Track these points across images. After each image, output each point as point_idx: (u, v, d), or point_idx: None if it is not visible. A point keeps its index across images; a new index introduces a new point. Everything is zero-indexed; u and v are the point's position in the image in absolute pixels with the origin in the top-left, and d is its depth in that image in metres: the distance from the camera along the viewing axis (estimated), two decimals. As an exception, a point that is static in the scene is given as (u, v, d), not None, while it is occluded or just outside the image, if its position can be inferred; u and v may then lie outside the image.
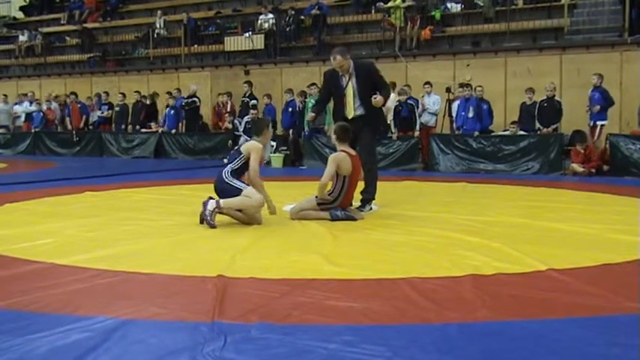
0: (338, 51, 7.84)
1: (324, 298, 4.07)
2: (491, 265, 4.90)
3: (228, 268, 4.83)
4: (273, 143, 15.64)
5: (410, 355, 3.13)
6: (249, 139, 15.63)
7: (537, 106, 13.64)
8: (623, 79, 14.29)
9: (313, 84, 15.45)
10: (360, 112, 7.82)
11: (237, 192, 6.80)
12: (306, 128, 15.05)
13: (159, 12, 22.23)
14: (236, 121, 16.42)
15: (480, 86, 14.25)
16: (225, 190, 6.88)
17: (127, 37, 22.95)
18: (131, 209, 8.14)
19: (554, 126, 13.48)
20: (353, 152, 7.33)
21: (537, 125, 13.58)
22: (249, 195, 6.79)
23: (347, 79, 7.79)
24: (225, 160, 7.27)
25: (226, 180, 6.89)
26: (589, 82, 13.31)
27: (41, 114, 20.51)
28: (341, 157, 7.18)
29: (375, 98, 7.54)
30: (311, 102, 15.04)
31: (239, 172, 6.97)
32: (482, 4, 17.16)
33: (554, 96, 13.58)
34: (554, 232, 6.45)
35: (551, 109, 13.51)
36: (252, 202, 6.80)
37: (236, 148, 7.31)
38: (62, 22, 25.55)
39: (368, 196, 7.95)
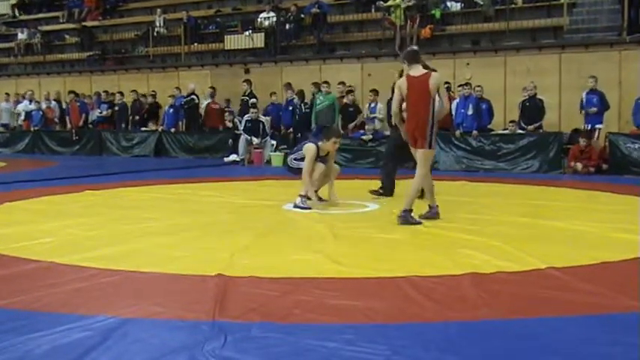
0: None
1: (324, 297, 4.08)
2: (491, 264, 4.90)
3: (229, 267, 4.83)
4: (274, 142, 15.62)
5: (410, 354, 3.14)
6: (249, 137, 15.72)
7: (520, 105, 13.74)
8: (622, 79, 14.26)
9: (325, 82, 15.35)
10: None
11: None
12: (313, 125, 14.95)
13: (158, 10, 22.19)
14: (236, 120, 16.41)
15: (479, 86, 14.23)
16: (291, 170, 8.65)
17: (127, 36, 22.89)
18: (131, 208, 8.15)
19: (537, 124, 13.56)
20: (416, 74, 6.96)
21: (521, 124, 13.66)
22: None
23: None
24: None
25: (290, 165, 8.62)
26: (587, 81, 13.30)
27: (40, 113, 20.48)
28: (399, 82, 7.13)
29: None
30: (319, 98, 14.98)
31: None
32: (481, 3, 17.12)
33: (535, 95, 13.64)
34: (553, 230, 6.46)
35: (533, 108, 13.60)
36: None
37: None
38: (61, 20, 25.50)
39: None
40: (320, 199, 8.33)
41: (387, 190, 9.14)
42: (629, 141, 12.33)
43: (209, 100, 17.74)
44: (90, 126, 19.86)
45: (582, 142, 12.48)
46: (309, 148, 8.23)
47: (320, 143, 8.27)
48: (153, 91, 19.32)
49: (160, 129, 18.15)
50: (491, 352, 3.18)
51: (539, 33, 16.17)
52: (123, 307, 3.88)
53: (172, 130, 17.93)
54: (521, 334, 3.43)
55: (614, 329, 3.48)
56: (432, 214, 7.03)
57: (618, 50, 14.50)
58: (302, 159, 8.28)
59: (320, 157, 8.22)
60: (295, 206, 7.91)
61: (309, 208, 7.83)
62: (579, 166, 12.38)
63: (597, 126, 12.97)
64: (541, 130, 13.61)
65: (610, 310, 3.80)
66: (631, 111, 13.35)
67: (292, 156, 8.62)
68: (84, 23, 24.08)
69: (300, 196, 7.96)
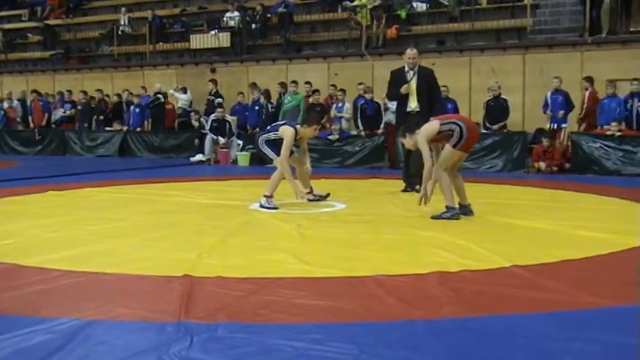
0: (414, 47, 9.88)
1: (291, 296, 4.08)
2: (456, 262, 4.95)
3: (195, 267, 4.80)
4: (240, 142, 15.58)
5: (377, 352, 3.15)
6: (215, 137, 15.66)
7: (485, 105, 13.94)
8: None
9: (294, 82, 15.41)
10: (417, 108, 9.18)
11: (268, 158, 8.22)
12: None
13: (123, 9, 21.95)
14: (202, 120, 16.34)
15: (445, 86, 14.32)
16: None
17: (91, 35, 22.62)
18: (96, 209, 8.06)
19: (501, 124, 13.78)
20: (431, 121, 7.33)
21: (486, 124, 13.86)
22: (277, 165, 7.97)
23: (411, 75, 9.25)
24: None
25: (260, 147, 8.16)
26: (551, 81, 13.51)
27: (2, 112, 20.14)
28: (425, 130, 7.07)
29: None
30: (287, 98, 15.00)
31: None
32: (447, 4, 17.28)
33: (500, 94, 13.86)
34: (518, 228, 6.54)
35: (498, 108, 13.82)
36: (280, 174, 7.90)
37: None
38: (23, 18, 25.11)
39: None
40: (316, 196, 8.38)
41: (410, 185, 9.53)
42: (591, 140, 12.55)
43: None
44: (53, 126, 19.60)
45: (545, 141, 12.70)
46: (287, 132, 7.87)
47: (298, 127, 8.03)
48: (125, 90, 19.06)
49: (124, 129, 17.99)
50: (456, 349, 3.21)
51: (504, 33, 16.38)
52: (87, 309, 3.83)
53: (138, 129, 17.79)
54: (485, 331, 3.47)
55: (574, 325, 3.54)
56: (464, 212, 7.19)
57: (580, 51, 14.75)
58: (274, 141, 7.99)
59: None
60: (261, 206, 7.86)
61: (276, 208, 7.79)
62: (542, 165, 12.57)
63: (563, 125, 13.22)
64: (505, 130, 13.80)
65: (572, 307, 3.87)
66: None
67: (264, 136, 8.17)
68: (47, 22, 23.74)
69: (265, 196, 7.87)
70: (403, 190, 9.51)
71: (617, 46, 14.43)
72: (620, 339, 3.30)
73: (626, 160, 12.17)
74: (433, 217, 7.07)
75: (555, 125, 13.26)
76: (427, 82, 9.28)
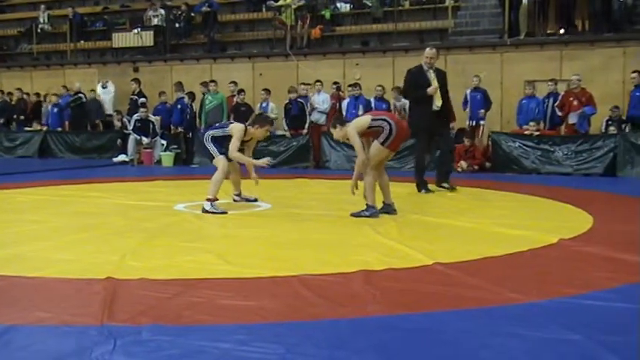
0: (434, 47, 9.86)
1: (216, 297, 4.06)
2: (380, 261, 5.01)
3: (118, 269, 4.72)
4: (164, 142, 15.36)
5: (303, 352, 3.17)
6: (138, 137, 15.37)
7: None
8: (504, 79, 14.91)
9: (213, 81, 15.28)
10: (440, 105, 9.29)
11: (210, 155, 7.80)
12: (202, 126, 14.84)
13: (42, 6, 21.34)
14: (125, 120, 16.04)
15: (380, 86, 14.38)
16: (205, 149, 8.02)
17: (9, 32, 21.95)
18: (14, 211, 7.82)
19: None
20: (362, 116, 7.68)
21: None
22: (217, 164, 7.65)
23: (432, 75, 9.29)
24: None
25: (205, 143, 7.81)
26: (471, 80, 13.85)
27: None
28: (355, 123, 7.20)
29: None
30: (208, 98, 14.86)
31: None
32: (370, 5, 17.49)
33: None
34: (440, 227, 6.68)
35: None
36: (220, 174, 7.59)
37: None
38: (-64, 14, 24.11)
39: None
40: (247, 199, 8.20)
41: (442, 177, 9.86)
42: (510, 140, 12.91)
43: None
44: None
45: (467, 141, 13.00)
46: (236, 128, 7.63)
47: (249, 127, 7.77)
48: (68, 87, 18.44)
49: (44, 129, 17.49)
50: (382, 347, 3.26)
51: (426, 34, 16.66)
52: (5, 314, 3.72)
53: (59, 129, 17.33)
54: (409, 328, 3.53)
55: (495, 321, 3.64)
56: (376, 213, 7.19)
57: (500, 52, 15.15)
58: (220, 138, 7.67)
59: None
60: (205, 212, 7.45)
61: (225, 212, 7.47)
62: (464, 164, 12.86)
63: (481, 122, 13.60)
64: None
65: (493, 303, 3.97)
66: (511, 111, 14.04)
67: (211, 131, 7.82)
68: (-40, 18, 22.87)
69: (209, 200, 7.51)
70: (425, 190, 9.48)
71: (535, 48, 14.89)
72: (539, 334, 3.41)
73: (543, 159, 12.56)
74: (353, 215, 7.14)
75: (474, 122, 13.64)
76: (443, 81, 9.44)
